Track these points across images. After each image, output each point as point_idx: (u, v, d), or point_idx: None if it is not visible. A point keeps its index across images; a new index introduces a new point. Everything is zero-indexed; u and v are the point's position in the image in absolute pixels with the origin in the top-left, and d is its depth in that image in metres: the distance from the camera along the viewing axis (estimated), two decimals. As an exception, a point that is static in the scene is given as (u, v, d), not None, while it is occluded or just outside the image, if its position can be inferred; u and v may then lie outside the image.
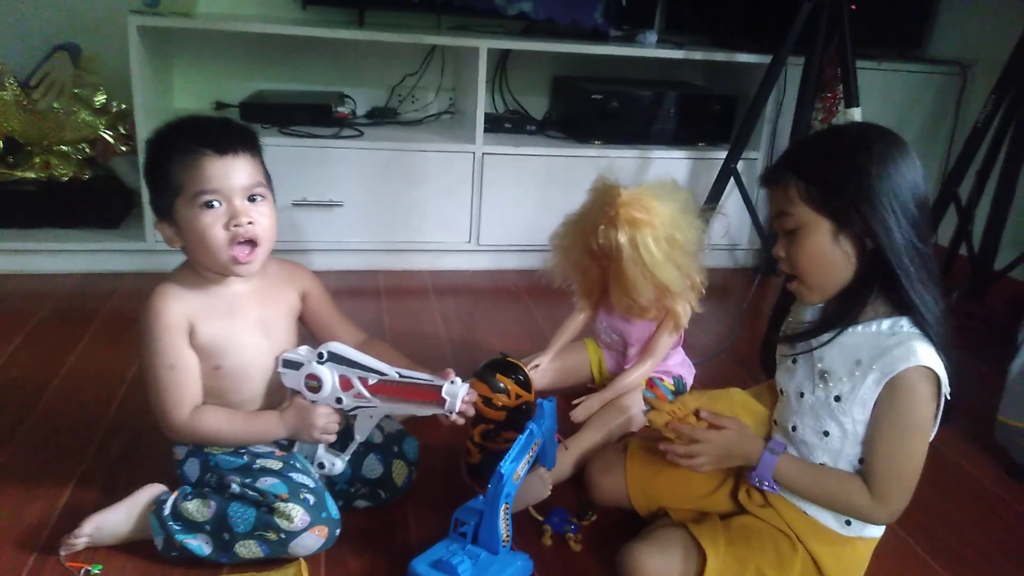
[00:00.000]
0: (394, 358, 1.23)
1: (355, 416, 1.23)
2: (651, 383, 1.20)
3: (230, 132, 1.17)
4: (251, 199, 1.17)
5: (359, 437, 1.24)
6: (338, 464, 1.24)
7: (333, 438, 1.23)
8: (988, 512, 1.49)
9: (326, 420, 1.21)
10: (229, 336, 1.21)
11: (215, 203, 1.14)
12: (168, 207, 1.16)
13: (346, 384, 1.20)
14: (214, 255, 1.16)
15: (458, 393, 1.15)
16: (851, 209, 1.01)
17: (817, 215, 1.04)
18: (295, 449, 1.26)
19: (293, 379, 1.22)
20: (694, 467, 1.14)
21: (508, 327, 2.17)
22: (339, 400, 1.21)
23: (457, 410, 1.15)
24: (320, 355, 1.20)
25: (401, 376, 1.18)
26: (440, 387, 1.15)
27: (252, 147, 1.19)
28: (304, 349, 1.23)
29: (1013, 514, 1.49)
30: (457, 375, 1.18)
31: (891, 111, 2.65)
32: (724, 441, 1.13)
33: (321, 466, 1.24)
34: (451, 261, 2.54)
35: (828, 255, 1.05)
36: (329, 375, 1.20)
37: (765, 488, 1.13)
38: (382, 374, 1.18)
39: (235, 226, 1.14)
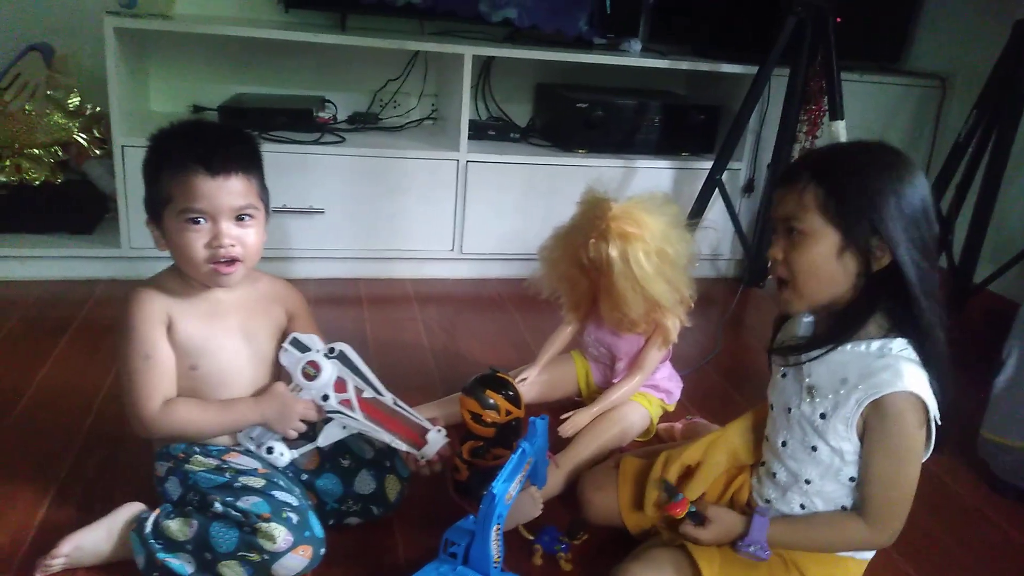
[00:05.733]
0: None
1: (329, 420, 1.21)
2: (678, 507, 1.17)
3: (226, 150, 1.15)
4: (239, 218, 1.16)
5: (321, 442, 1.21)
6: (286, 456, 1.21)
7: (295, 435, 1.21)
8: (971, 527, 1.50)
9: (302, 413, 1.19)
10: (208, 337, 1.20)
11: (200, 220, 1.14)
12: (158, 213, 1.17)
13: (340, 386, 1.18)
14: (193, 269, 1.17)
15: (438, 443, 1.21)
16: (867, 227, 1.00)
17: (828, 226, 1.02)
18: (240, 434, 1.22)
19: (292, 359, 1.20)
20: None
21: (491, 336, 2.15)
22: (326, 397, 1.18)
23: (430, 458, 1.22)
24: (331, 350, 1.20)
25: (395, 403, 1.19)
26: (426, 430, 1.20)
27: (247, 166, 1.17)
28: (317, 339, 1.21)
29: (995, 529, 1.50)
30: (447, 388, 1.19)
31: (872, 123, 2.67)
32: (714, 536, 1.14)
33: (270, 451, 1.20)
34: (434, 269, 2.52)
35: (828, 267, 1.03)
36: (329, 370, 1.18)
37: (759, 553, 1.10)
38: (379, 393, 1.18)
39: (217, 247, 1.14)
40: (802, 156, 1.10)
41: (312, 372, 1.18)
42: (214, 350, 1.20)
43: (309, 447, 1.22)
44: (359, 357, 1.19)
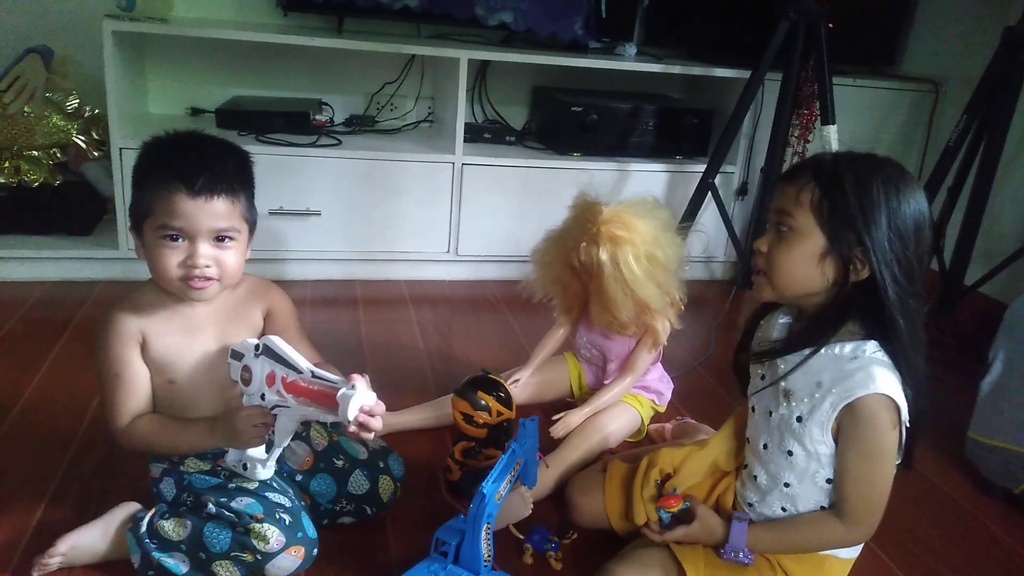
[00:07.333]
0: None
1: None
2: (672, 499, 1.19)
3: (212, 170, 1.12)
4: (219, 239, 1.14)
5: (277, 440, 1.17)
6: (259, 469, 1.18)
7: (261, 442, 1.17)
8: (959, 527, 1.51)
9: (248, 422, 1.13)
10: (183, 352, 1.19)
11: (178, 238, 1.12)
12: (139, 223, 1.16)
13: (271, 380, 1.13)
14: (166, 283, 1.16)
15: (351, 399, 1.01)
16: (852, 237, 1.01)
17: (816, 228, 1.03)
18: (226, 458, 1.20)
19: (235, 372, 1.18)
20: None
21: (486, 338, 2.17)
22: (263, 396, 1.15)
23: (352, 419, 1.02)
24: (256, 347, 1.15)
25: (313, 375, 1.09)
26: (337, 390, 1.03)
27: (234, 186, 1.15)
28: (251, 341, 1.18)
29: (983, 529, 1.51)
30: (441, 389, 1.14)
31: (864, 127, 2.69)
32: (687, 535, 1.15)
33: (245, 467, 1.18)
34: (429, 271, 2.54)
35: (807, 269, 1.04)
36: (259, 369, 1.14)
37: (741, 559, 1.12)
38: (298, 372, 1.10)
39: (191, 266, 1.13)
40: (811, 157, 1.11)
41: (247, 376, 1.15)
42: (190, 364, 1.19)
43: (276, 451, 1.19)
44: (284, 343, 1.13)
